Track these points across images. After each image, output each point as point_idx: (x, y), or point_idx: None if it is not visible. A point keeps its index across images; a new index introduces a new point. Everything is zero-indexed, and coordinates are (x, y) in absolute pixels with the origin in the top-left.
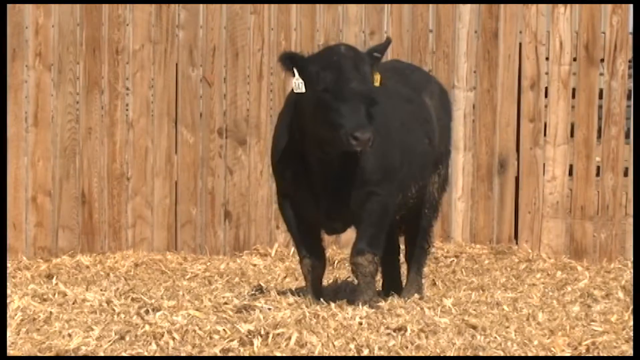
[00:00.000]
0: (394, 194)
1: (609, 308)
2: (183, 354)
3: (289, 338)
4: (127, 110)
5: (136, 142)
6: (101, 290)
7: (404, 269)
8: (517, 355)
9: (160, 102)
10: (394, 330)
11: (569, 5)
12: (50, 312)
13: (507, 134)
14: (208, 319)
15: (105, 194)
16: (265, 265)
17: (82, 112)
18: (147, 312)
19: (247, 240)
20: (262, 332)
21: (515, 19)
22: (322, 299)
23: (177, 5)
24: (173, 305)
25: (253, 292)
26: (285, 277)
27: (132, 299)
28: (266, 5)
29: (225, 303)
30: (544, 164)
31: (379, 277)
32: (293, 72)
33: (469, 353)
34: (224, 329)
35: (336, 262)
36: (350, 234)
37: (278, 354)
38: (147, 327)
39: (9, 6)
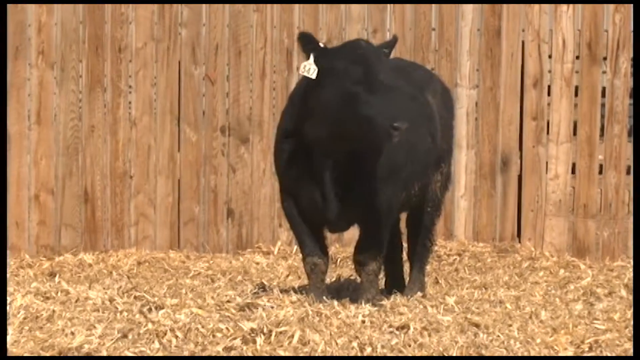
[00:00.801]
0: (398, 192)
1: (612, 306)
2: (186, 352)
3: (292, 336)
4: (129, 108)
5: (139, 140)
6: (104, 288)
7: (406, 267)
8: (519, 353)
9: (162, 100)
10: (397, 329)
11: (571, 4)
12: (53, 310)
13: (509, 132)
14: (211, 317)
15: (108, 192)
16: (268, 263)
17: (85, 110)
18: (149, 310)
19: (250, 238)
20: (265, 330)
21: (518, 17)
22: (325, 297)
23: (179, 3)
24: (176, 304)
25: (256, 291)
26: (288, 276)
27: (135, 297)
28: (269, 4)
29: (228, 301)
30: (546, 162)
31: (381, 275)
32: (309, 55)
33: (471, 351)
34: (226, 327)
35: (339, 260)
36: (353, 232)
37: (281, 352)
38: (149, 325)
39: (11, 5)
